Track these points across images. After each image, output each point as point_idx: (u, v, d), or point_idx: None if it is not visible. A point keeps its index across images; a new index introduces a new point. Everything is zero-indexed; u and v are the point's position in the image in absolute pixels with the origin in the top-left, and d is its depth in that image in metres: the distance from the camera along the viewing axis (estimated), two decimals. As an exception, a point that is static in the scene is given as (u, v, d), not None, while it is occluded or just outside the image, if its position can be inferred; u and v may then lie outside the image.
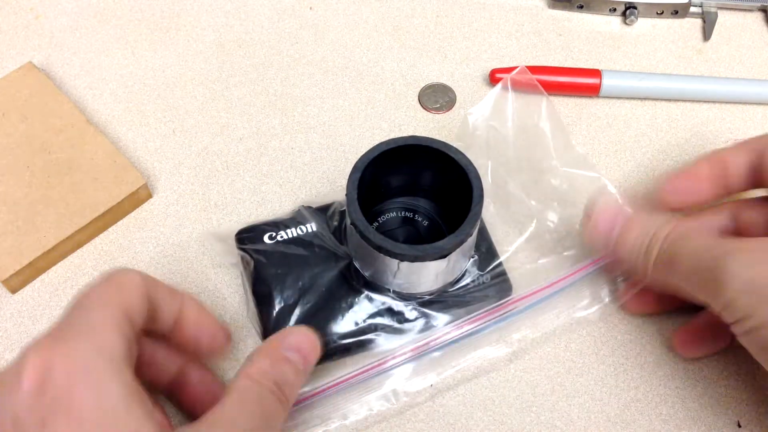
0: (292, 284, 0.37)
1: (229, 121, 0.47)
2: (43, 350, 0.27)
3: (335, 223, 0.38)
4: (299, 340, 0.33)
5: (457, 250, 0.34)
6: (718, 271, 0.30)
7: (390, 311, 0.37)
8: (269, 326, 0.36)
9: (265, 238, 0.38)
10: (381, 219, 0.39)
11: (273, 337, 0.33)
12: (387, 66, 0.49)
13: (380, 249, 0.33)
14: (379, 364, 0.36)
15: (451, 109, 0.47)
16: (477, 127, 0.41)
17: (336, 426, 0.36)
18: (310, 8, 0.52)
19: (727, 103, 0.47)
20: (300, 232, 0.38)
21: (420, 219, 0.39)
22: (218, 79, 0.48)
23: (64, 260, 0.41)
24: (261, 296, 0.37)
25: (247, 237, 0.39)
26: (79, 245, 0.42)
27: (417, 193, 0.39)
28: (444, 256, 0.33)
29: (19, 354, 0.28)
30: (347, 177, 0.34)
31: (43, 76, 0.46)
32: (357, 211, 0.33)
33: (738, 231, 0.37)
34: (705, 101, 0.47)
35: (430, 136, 0.36)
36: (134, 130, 0.46)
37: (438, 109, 0.47)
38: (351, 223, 0.34)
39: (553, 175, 0.41)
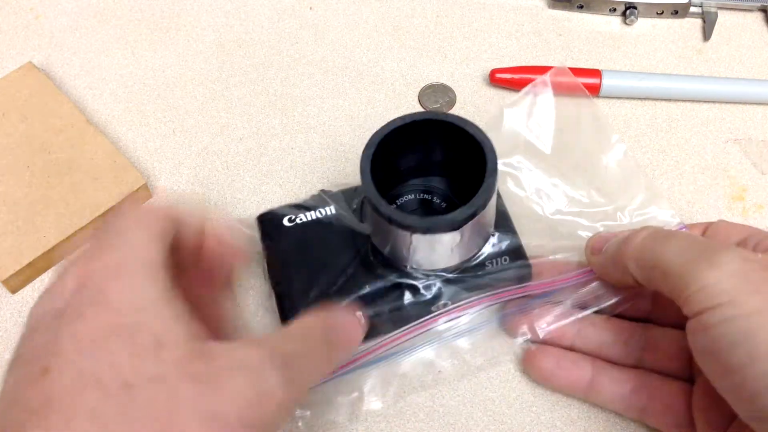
0: (310, 264, 0.37)
1: (229, 121, 0.47)
2: (82, 261, 0.27)
3: (355, 206, 0.39)
4: (346, 314, 0.33)
5: (471, 223, 0.33)
6: (712, 252, 0.29)
7: (408, 290, 0.36)
8: (286, 306, 0.36)
9: (285, 221, 0.38)
10: (399, 201, 0.39)
11: (323, 309, 0.32)
12: (387, 66, 0.49)
13: (391, 221, 0.33)
14: (396, 338, 0.36)
15: (451, 109, 0.47)
16: (512, 123, 0.41)
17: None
18: (310, 8, 0.52)
19: (727, 103, 0.47)
20: (319, 215, 0.38)
21: (438, 200, 0.39)
22: (218, 79, 0.48)
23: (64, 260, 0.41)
24: (279, 276, 0.37)
25: (268, 219, 0.39)
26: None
27: (431, 173, 0.39)
28: (455, 228, 0.33)
29: (59, 269, 0.28)
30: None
31: (43, 76, 0.46)
32: (369, 183, 0.33)
33: None
34: (705, 101, 0.47)
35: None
36: (134, 130, 0.46)
37: (438, 109, 0.47)
38: (364, 197, 0.34)
39: (592, 171, 0.40)
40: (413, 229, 0.33)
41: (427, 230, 0.33)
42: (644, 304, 0.37)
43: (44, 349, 0.25)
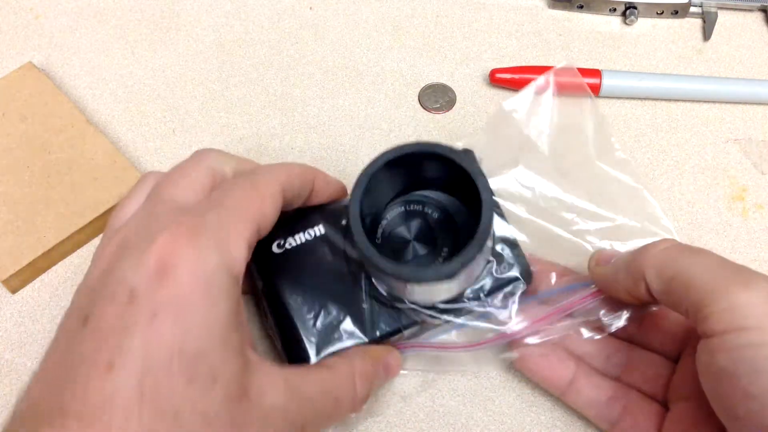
0: (307, 291, 0.35)
1: (229, 121, 0.47)
2: (176, 238, 0.27)
3: (344, 222, 0.37)
4: (393, 363, 0.35)
5: (471, 263, 0.32)
6: (747, 274, 0.29)
7: (407, 318, 0.35)
8: (287, 335, 0.35)
9: (274, 247, 0.36)
10: (389, 216, 0.37)
11: (379, 349, 0.35)
12: (387, 66, 0.49)
13: (379, 269, 0.32)
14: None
15: (451, 109, 0.47)
16: (511, 121, 0.40)
17: None
18: (310, 8, 0.52)
19: (727, 103, 0.47)
20: (308, 237, 0.36)
21: (430, 212, 0.37)
22: (218, 79, 0.48)
23: (64, 260, 0.41)
24: (276, 307, 0.36)
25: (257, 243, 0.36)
26: (79, 245, 0.42)
27: (425, 188, 0.37)
28: (450, 277, 0.32)
29: (155, 222, 0.28)
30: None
31: (43, 76, 0.46)
32: (360, 233, 0.32)
33: None
34: (705, 101, 0.47)
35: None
36: (134, 130, 0.46)
37: (438, 109, 0.47)
38: (355, 243, 0.32)
39: (590, 177, 0.39)
40: (406, 279, 0.32)
41: (419, 281, 0.32)
42: (631, 327, 0.36)
43: (115, 337, 0.25)
